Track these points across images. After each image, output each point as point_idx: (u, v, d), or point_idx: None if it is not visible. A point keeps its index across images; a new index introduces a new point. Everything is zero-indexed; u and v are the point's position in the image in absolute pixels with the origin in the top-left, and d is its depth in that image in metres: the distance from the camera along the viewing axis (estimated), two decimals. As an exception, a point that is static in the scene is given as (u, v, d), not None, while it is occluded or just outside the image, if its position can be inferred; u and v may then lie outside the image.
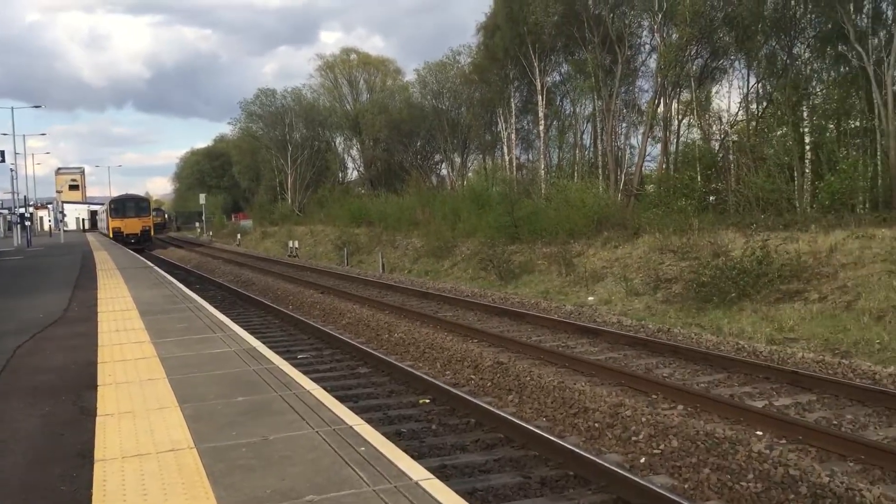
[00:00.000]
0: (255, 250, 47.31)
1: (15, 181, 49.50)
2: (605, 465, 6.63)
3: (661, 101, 30.14)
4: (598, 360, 11.29)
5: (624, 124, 33.40)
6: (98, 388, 6.15)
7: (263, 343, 8.41)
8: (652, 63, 31.49)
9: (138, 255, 30.64)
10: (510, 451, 7.51)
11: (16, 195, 50.18)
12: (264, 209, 62.55)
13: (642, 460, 7.19)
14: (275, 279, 26.20)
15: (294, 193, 61.22)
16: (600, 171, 32.29)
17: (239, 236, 57.28)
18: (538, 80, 35.05)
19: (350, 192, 54.01)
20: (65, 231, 62.27)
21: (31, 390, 6.26)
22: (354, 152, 61.32)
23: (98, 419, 5.20)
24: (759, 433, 7.75)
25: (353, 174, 63.04)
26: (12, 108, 71.69)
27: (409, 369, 10.84)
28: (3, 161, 34.24)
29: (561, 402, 9.10)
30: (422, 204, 36.45)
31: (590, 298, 18.67)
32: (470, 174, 48.40)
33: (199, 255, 44.46)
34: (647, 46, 32.28)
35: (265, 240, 52.09)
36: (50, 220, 79.31)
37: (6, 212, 60.96)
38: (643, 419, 8.11)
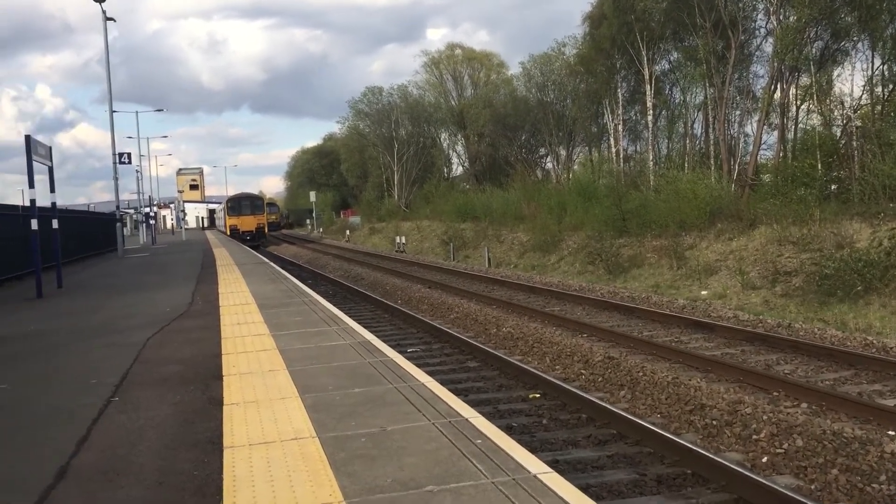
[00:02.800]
0: (364, 246, 48.30)
1: (140, 182, 52.26)
2: (725, 463, 6.44)
3: (778, 86, 28.97)
4: (713, 355, 10.95)
5: (737, 112, 32.26)
6: (223, 378, 6.42)
7: (376, 336, 8.57)
8: (768, 47, 30.37)
9: (254, 252, 31.79)
10: (623, 447, 7.39)
11: (141, 195, 52.96)
12: (372, 206, 63.75)
13: (764, 459, 6.94)
14: (383, 274, 26.65)
15: (400, 190, 62.11)
16: (712, 161, 31.30)
17: (348, 232, 58.62)
18: (646, 69, 34.30)
19: (455, 188, 54.40)
20: (186, 229, 65.33)
21: (162, 380, 6.59)
22: (459, 147, 61.77)
23: (225, 408, 5.42)
24: (892, 433, 7.33)
25: (457, 169, 63.51)
26: (136, 113, 75.77)
27: (519, 364, 10.83)
28: (130, 163, 36.11)
29: (676, 399, 8.89)
30: (527, 198, 36.32)
31: (703, 292, 18.15)
32: (575, 167, 47.86)
33: (310, 251, 45.73)
34: (763, 30, 31.16)
35: (373, 236, 53.08)
36: (172, 219, 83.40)
37: (132, 211, 64.45)
38: (764, 417, 7.82)
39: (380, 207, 61.64)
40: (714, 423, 7.97)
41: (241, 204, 52.15)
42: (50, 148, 16.58)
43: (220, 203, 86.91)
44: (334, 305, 11.66)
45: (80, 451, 4.68)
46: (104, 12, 30.92)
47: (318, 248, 47.93)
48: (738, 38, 29.49)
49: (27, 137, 14.68)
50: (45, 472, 4.29)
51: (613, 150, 39.68)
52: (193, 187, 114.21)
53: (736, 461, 6.81)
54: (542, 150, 51.95)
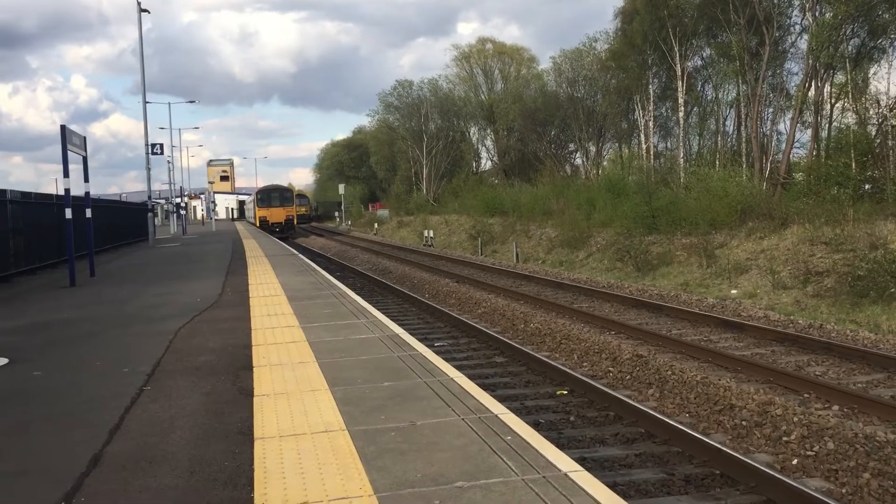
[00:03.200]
0: (392, 239, 48.38)
1: (171, 173, 52.79)
2: (755, 465, 6.38)
3: (813, 84, 28.56)
4: (743, 355, 10.85)
5: (770, 109, 31.86)
6: (253, 369, 6.48)
7: (404, 329, 8.59)
8: (802, 44, 29.94)
9: (283, 243, 31.99)
10: (651, 446, 7.35)
11: (172, 186, 53.50)
12: (400, 199, 63.89)
13: (794, 462, 6.87)
14: (411, 268, 26.69)
15: (429, 183, 62.17)
16: (744, 158, 30.97)
17: (376, 225, 58.77)
18: (678, 66, 33.98)
19: (484, 182, 54.30)
20: (216, 220, 65.87)
21: (193, 370, 6.66)
22: (488, 142, 61.74)
23: (255, 399, 5.47)
24: (926, 439, 7.22)
25: (486, 164, 63.45)
26: (169, 104, 76.95)
27: (546, 360, 10.80)
28: (162, 153, 36.50)
29: (705, 398, 8.82)
30: (556, 194, 36.21)
31: (733, 291, 17.97)
32: (605, 163, 47.58)
33: (338, 243, 45.91)
34: (798, 27, 30.72)
35: (401, 229, 53.16)
36: (202, 210, 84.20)
37: (163, 201, 65.14)
38: (795, 419, 7.73)
39: (408, 201, 61.74)
40: (743, 423, 7.90)
41: (271, 196, 52.50)
42: (84, 138, 16.78)
43: (249, 194, 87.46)
44: (362, 298, 11.71)
45: (113, 440, 4.75)
46: (139, 4, 31.24)
47: (347, 240, 48.11)
48: (772, 35, 29.11)
49: (62, 127, 14.87)
50: (79, 460, 4.36)
51: (644, 146, 39.38)
52: (224, 178, 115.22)
53: (765, 463, 6.74)
54: (572, 146, 51.69)
